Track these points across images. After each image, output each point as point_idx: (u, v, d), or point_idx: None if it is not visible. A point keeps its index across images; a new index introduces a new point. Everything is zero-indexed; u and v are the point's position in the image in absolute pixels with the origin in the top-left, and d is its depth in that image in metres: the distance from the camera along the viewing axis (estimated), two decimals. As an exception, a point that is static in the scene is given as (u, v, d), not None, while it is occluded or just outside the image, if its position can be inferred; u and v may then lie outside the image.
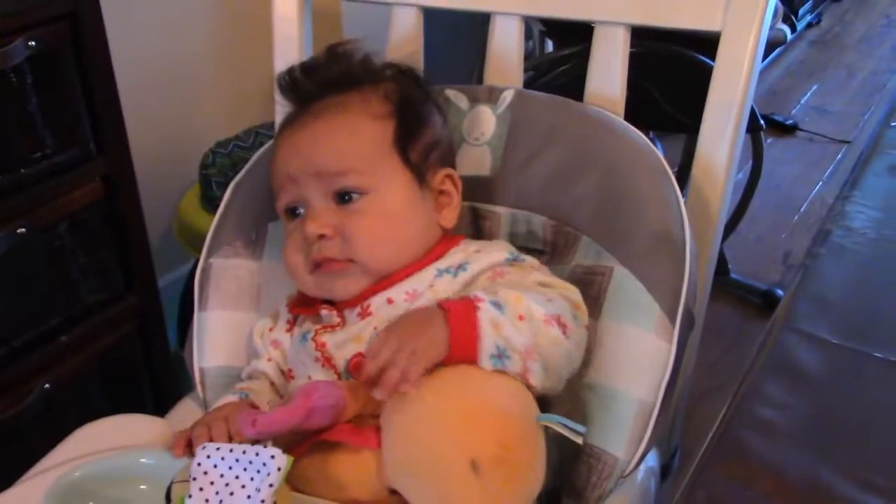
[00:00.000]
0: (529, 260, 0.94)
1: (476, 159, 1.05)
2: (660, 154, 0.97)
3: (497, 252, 0.94)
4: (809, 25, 4.10)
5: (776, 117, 3.22)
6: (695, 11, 0.99)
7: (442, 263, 0.93)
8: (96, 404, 1.49)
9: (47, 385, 1.39)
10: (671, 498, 0.89)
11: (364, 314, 0.92)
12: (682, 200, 0.94)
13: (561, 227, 0.99)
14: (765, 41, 0.98)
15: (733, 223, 2.36)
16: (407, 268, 0.93)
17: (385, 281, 0.92)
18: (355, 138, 0.93)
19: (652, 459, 0.98)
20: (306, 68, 1.01)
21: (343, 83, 0.97)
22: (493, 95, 1.07)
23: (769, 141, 3.09)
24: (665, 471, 1.07)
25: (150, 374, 1.60)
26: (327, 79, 0.98)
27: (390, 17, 1.16)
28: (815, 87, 3.56)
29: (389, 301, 0.91)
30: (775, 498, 0.62)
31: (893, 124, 1.13)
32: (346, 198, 0.91)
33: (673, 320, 0.89)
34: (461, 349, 0.80)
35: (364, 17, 1.21)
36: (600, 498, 0.88)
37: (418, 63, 1.15)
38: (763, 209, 2.58)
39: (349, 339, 0.91)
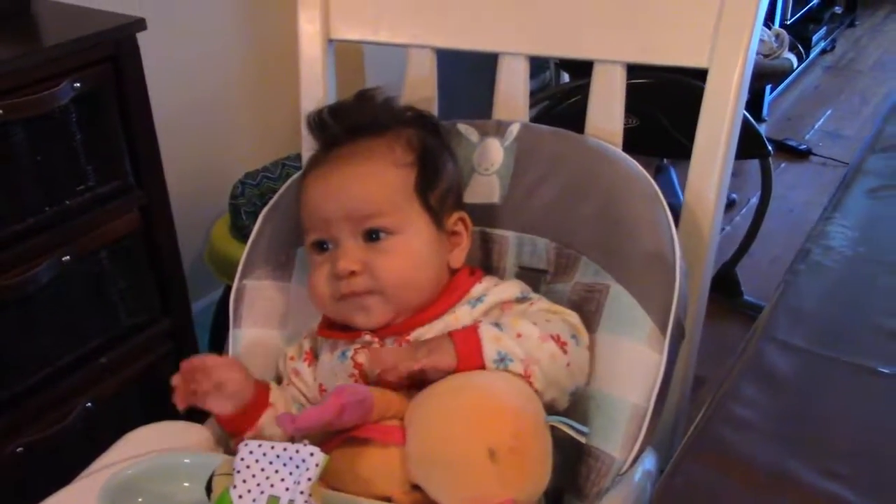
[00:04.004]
0: (537, 298, 1.02)
1: (486, 188, 1.12)
2: (652, 181, 1.04)
3: (511, 289, 1.02)
4: (823, 51, 4.10)
5: (790, 142, 3.25)
6: (683, 50, 1.07)
7: (469, 298, 1.01)
8: (134, 421, 1.55)
9: (89, 404, 1.47)
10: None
11: (400, 343, 0.99)
12: (672, 223, 1.01)
13: (563, 249, 1.06)
14: (749, 76, 1.05)
15: (745, 246, 2.39)
16: (441, 304, 1.00)
17: (423, 316, 1.00)
18: (382, 184, 1.00)
19: (650, 463, 1.04)
20: (334, 111, 1.07)
21: (369, 129, 1.04)
22: (500, 129, 1.14)
23: (783, 166, 3.12)
24: (665, 477, 1.14)
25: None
26: (355, 124, 1.04)
27: (407, 56, 1.23)
28: (828, 113, 3.57)
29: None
30: (746, 484, 0.69)
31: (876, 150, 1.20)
32: (374, 236, 0.98)
33: (664, 333, 0.96)
34: (467, 359, 0.89)
35: (382, 54, 1.29)
36: (599, 494, 0.95)
37: (433, 97, 1.22)
38: (776, 232, 2.60)
39: None
